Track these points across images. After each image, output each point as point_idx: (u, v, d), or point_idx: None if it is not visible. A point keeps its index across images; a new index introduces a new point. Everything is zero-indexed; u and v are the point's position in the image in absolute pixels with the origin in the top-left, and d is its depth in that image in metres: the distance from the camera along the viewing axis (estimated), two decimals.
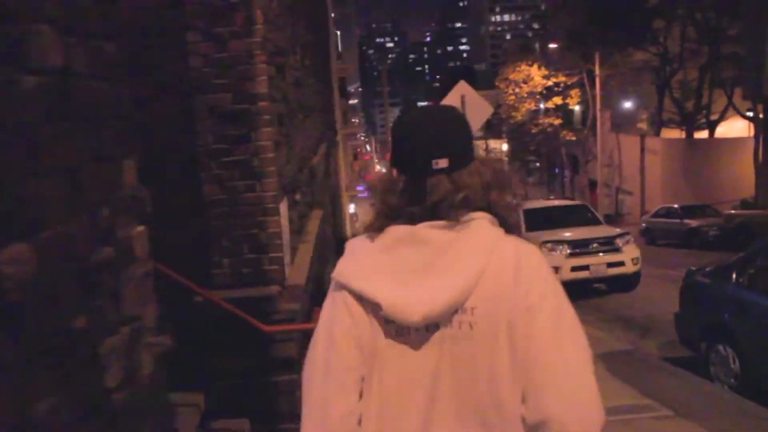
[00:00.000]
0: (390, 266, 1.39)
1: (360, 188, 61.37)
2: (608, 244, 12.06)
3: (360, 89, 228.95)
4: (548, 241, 11.95)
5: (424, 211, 1.40)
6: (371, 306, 1.38)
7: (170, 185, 4.56)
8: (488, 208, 1.43)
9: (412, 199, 1.41)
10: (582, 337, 1.38)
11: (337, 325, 1.42)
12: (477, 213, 1.41)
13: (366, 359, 1.39)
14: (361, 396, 1.39)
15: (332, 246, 9.78)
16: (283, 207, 4.60)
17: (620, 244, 12.03)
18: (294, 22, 6.92)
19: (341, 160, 26.56)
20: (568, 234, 12.36)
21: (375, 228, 1.45)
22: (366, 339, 1.39)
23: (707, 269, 6.81)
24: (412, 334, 1.38)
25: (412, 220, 1.40)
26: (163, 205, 4.79)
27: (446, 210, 1.39)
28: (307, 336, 4.88)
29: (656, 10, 31.27)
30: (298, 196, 5.53)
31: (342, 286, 1.43)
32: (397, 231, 1.41)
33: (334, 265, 1.48)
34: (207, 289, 4.48)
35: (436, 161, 1.40)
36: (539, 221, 13.32)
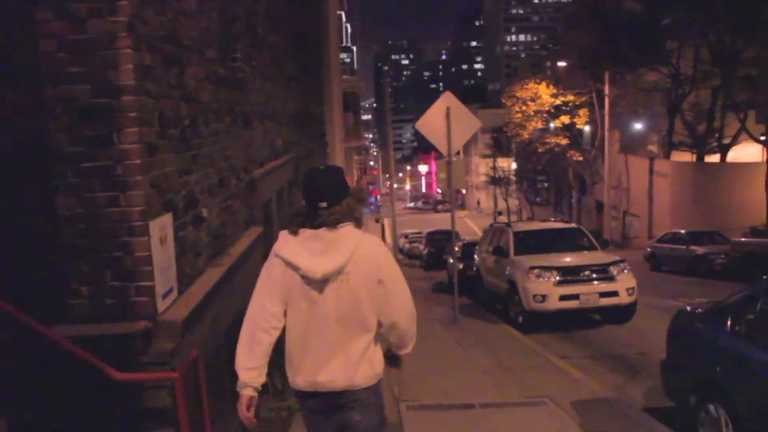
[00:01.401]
0: (303, 249, 2.81)
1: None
2: (601, 272, 11.07)
3: (374, 105, 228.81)
4: (535, 267, 11.01)
5: (314, 226, 2.82)
6: (293, 268, 2.80)
7: (17, 196, 3.72)
8: (354, 220, 2.88)
9: (310, 219, 2.83)
10: (404, 283, 2.95)
11: (273, 271, 2.87)
12: (347, 223, 2.84)
13: (286, 294, 2.84)
14: (285, 314, 2.87)
15: None
16: (158, 226, 3.74)
17: (614, 273, 11.04)
18: (233, 15, 6.11)
19: None
20: (558, 259, 11.40)
21: (294, 230, 2.85)
22: (287, 284, 2.82)
23: (698, 311, 5.85)
24: (316, 284, 2.80)
25: (312, 228, 2.83)
26: (9, 219, 3.96)
27: (325, 225, 2.80)
28: (188, 382, 4.00)
29: (669, 30, 30.34)
30: (205, 212, 4.66)
31: (278, 256, 2.85)
32: (306, 232, 2.83)
33: None
34: (61, 323, 3.63)
35: (319, 203, 2.82)
36: (529, 244, 12.43)
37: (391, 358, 3.08)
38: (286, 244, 2.82)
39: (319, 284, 2.77)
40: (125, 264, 3.59)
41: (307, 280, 2.77)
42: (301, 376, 2.83)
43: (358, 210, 2.86)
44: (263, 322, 2.80)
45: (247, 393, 2.78)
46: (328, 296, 2.77)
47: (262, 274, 2.89)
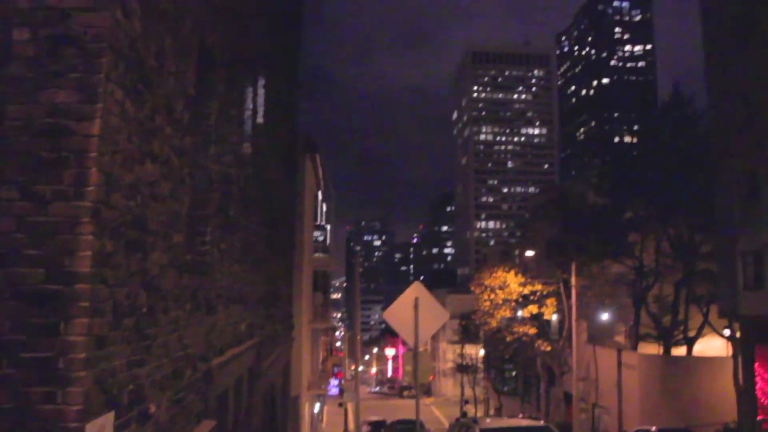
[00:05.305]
0: None
1: (331, 386, 57.53)
2: None
3: (345, 284, 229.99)
4: None
5: None
6: None
7: None
8: None
9: None
10: None
11: None
12: None
13: None
14: None
15: None
16: (96, 428, 3.38)
17: None
18: (206, 199, 6.11)
19: (302, 357, 25.02)
20: None
21: None
22: None
23: None
24: None
25: None
26: None
27: None
28: None
29: (631, 224, 31.60)
30: (152, 408, 4.30)
31: None
32: None
33: None
34: None
35: None
36: None
37: None
38: None
39: None
40: None
41: None
42: None
43: None
44: None
45: None
46: None
47: None
